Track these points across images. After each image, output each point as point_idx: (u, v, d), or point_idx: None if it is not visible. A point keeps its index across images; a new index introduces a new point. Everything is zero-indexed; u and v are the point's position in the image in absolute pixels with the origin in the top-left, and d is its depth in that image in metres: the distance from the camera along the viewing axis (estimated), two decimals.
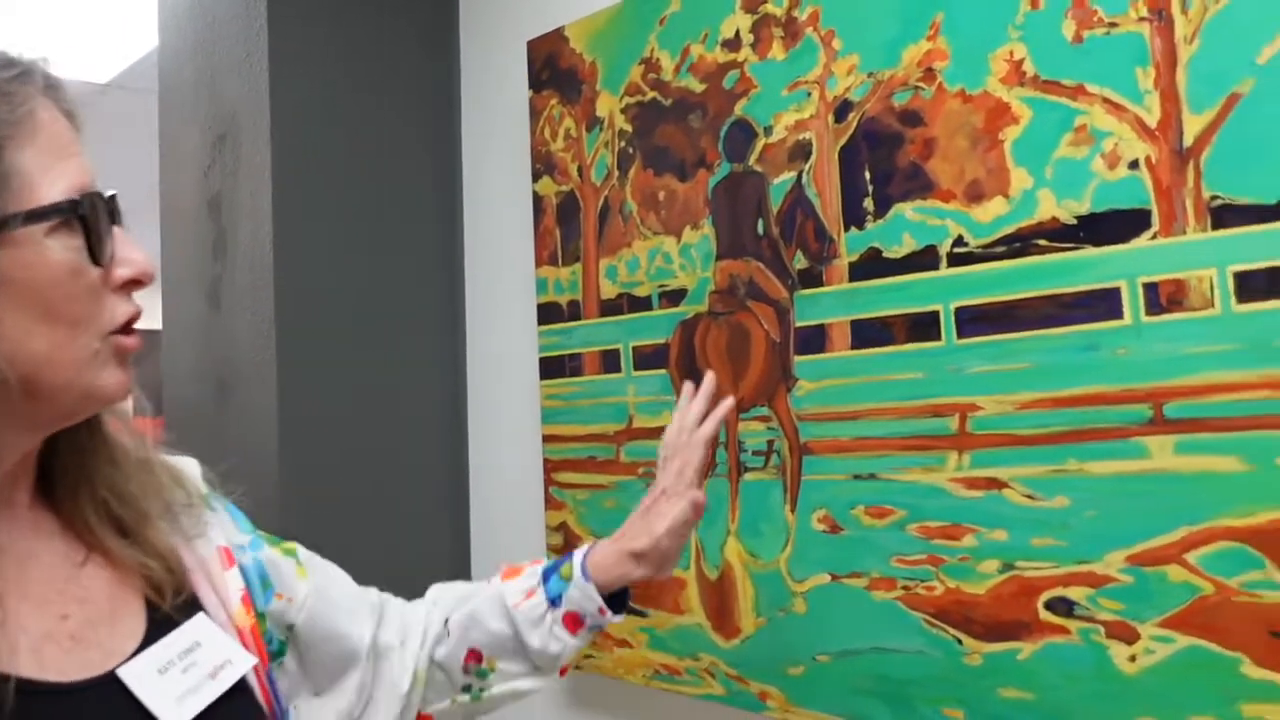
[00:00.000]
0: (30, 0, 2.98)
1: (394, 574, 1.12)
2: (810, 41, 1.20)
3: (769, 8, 1.25)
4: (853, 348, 1.16)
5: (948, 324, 1.08)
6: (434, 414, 1.75)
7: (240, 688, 0.76)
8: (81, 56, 3.38)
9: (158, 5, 1.95)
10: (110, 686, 0.70)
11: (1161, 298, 0.94)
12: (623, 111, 1.42)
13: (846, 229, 1.17)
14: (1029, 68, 1.02)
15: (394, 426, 1.70)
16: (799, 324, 1.22)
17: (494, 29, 1.74)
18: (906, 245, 1.12)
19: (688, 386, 1.15)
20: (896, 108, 1.13)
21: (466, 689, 1.05)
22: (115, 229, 0.72)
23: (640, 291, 1.40)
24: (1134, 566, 0.95)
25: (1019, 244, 1.03)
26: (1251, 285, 0.89)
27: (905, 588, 1.11)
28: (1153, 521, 0.94)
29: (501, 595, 1.04)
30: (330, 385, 1.64)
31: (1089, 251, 0.98)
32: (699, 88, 1.33)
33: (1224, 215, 0.90)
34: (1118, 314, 0.97)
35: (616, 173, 1.43)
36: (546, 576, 1.04)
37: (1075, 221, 0.99)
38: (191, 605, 0.77)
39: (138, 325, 0.75)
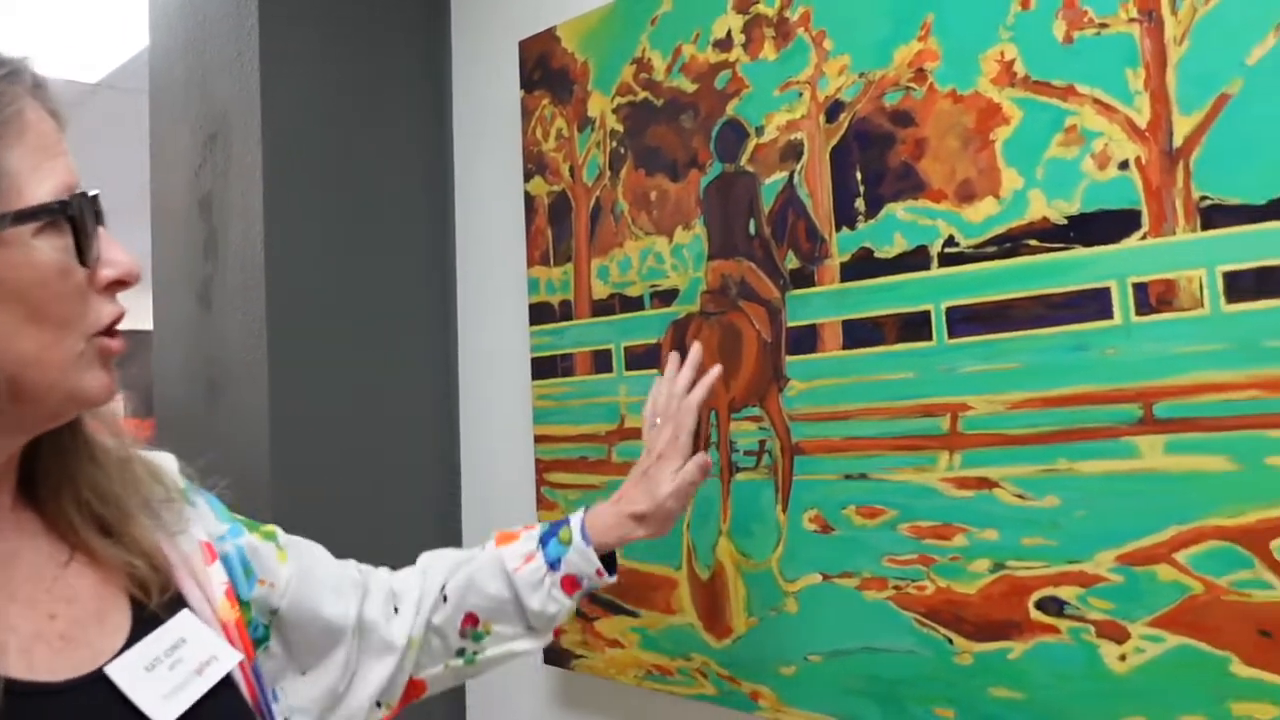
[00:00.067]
0: (21, 0, 2.97)
1: None
2: (801, 42, 1.21)
3: (760, 8, 1.25)
4: (844, 348, 1.17)
5: (939, 324, 1.08)
6: (426, 414, 1.75)
7: (226, 683, 0.76)
8: (72, 56, 3.37)
9: (148, 5, 1.94)
10: (98, 685, 0.70)
11: (1151, 298, 0.94)
12: (614, 111, 1.42)
13: (838, 229, 1.17)
14: (1020, 68, 1.03)
15: (385, 427, 1.70)
16: (790, 324, 1.22)
17: (486, 28, 1.73)
18: (898, 245, 1.12)
19: (673, 356, 1.21)
20: (888, 108, 1.13)
21: (460, 653, 1.08)
22: (100, 229, 0.72)
23: (632, 292, 1.40)
24: (1124, 566, 0.96)
25: (1010, 244, 1.03)
26: (1240, 285, 0.89)
27: (896, 587, 1.11)
28: (1142, 521, 0.95)
29: (500, 559, 1.08)
30: (322, 385, 1.64)
31: (1079, 252, 0.99)
32: (691, 88, 1.33)
33: (1213, 216, 0.91)
34: (1108, 314, 0.97)
35: (608, 173, 1.43)
36: (544, 541, 1.09)
37: (1065, 222, 1.00)
38: (176, 602, 0.78)
39: (128, 325, 0.75)
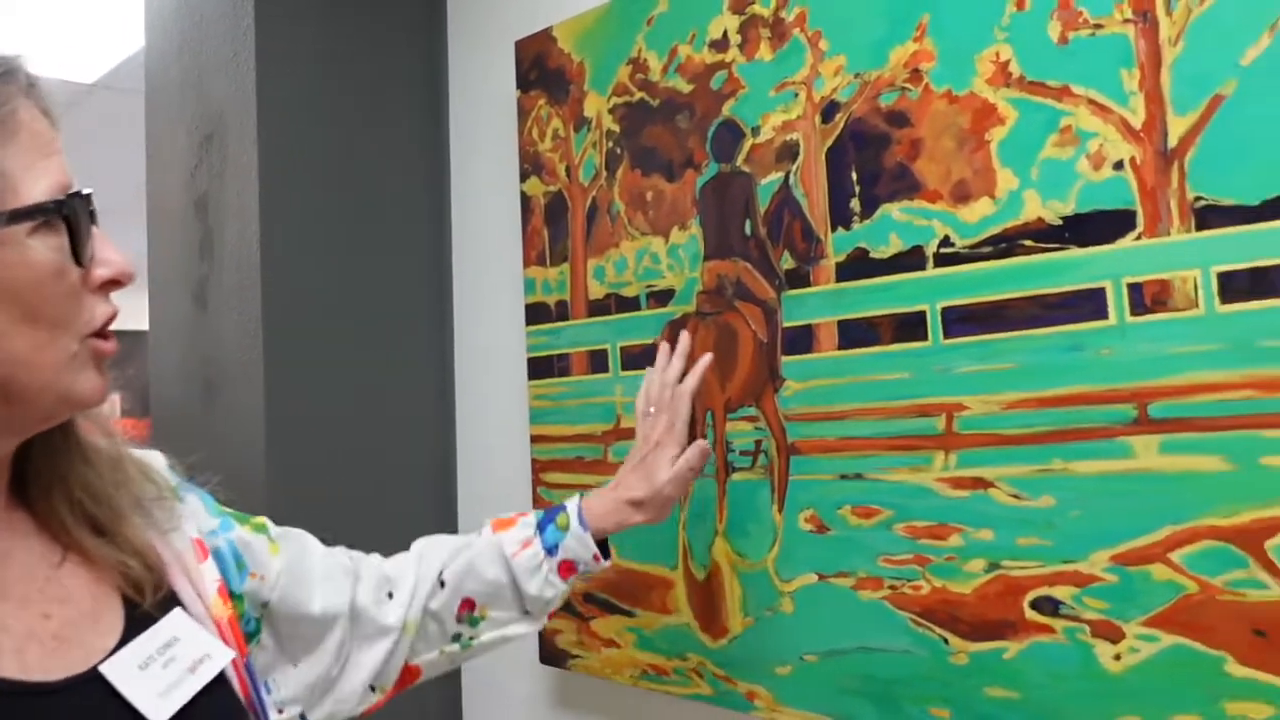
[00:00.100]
0: (17, 0, 2.97)
1: None
2: (797, 42, 1.21)
3: (756, 8, 1.25)
4: (840, 348, 1.17)
5: (934, 324, 1.09)
6: (422, 414, 1.75)
7: (219, 681, 0.76)
8: (68, 56, 3.37)
9: (144, 5, 1.94)
10: (93, 684, 0.70)
11: (1146, 298, 0.95)
12: (610, 112, 1.42)
13: (833, 229, 1.17)
14: (1015, 69, 1.03)
15: (382, 427, 1.70)
16: (786, 324, 1.22)
17: (482, 29, 1.74)
18: (893, 246, 1.12)
19: (663, 347, 1.24)
20: (883, 108, 1.13)
21: (456, 638, 1.09)
22: (94, 229, 0.72)
23: (628, 292, 1.40)
24: (1119, 566, 0.96)
25: (1005, 244, 1.03)
26: (1235, 285, 0.89)
27: (892, 587, 1.11)
28: (1137, 521, 0.95)
29: (499, 545, 1.10)
30: (318, 386, 1.64)
31: (1074, 252, 0.99)
32: (686, 88, 1.33)
33: (1207, 216, 0.91)
34: (1103, 314, 0.97)
35: (604, 173, 1.43)
36: (542, 527, 1.11)
37: (1060, 222, 1.00)
38: (169, 601, 0.78)
39: (123, 326, 0.75)
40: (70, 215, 0.69)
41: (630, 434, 1.38)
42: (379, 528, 1.66)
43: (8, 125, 0.67)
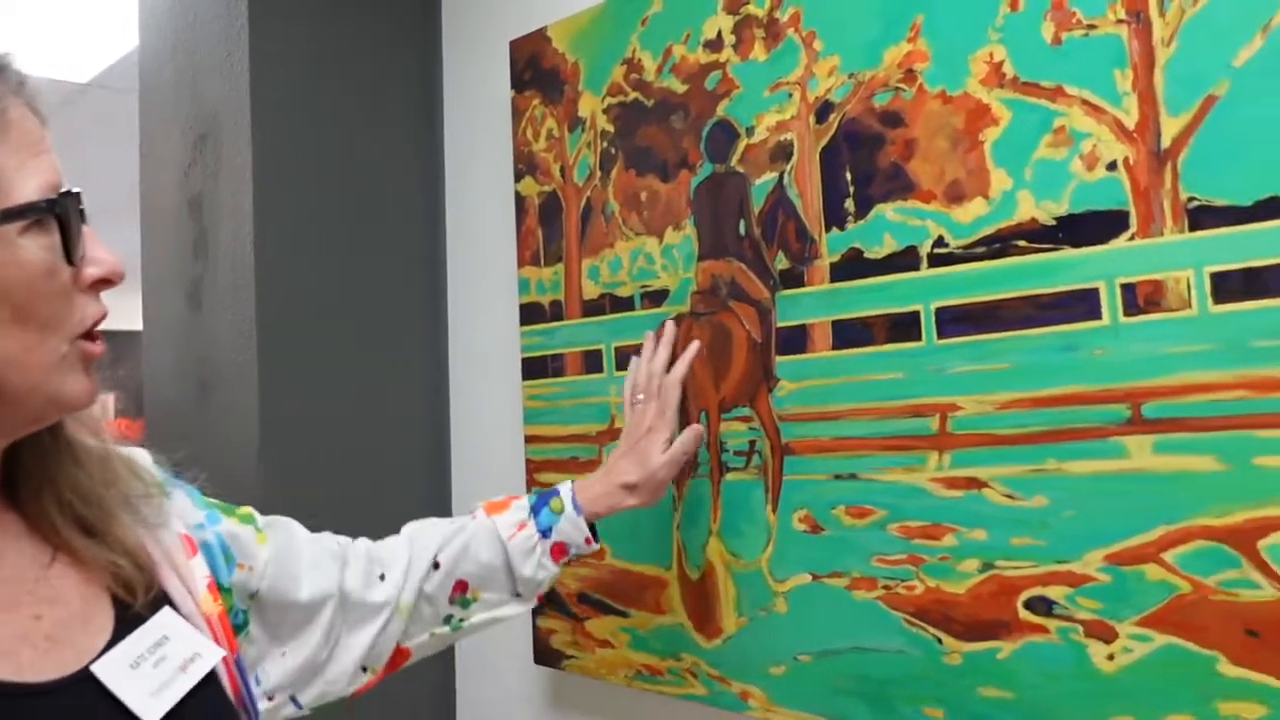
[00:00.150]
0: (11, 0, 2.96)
1: None
2: (792, 42, 1.21)
3: (750, 9, 1.25)
4: (834, 348, 1.17)
5: (928, 324, 1.09)
6: (416, 414, 1.74)
7: (209, 679, 0.76)
8: (62, 56, 3.36)
9: (138, 4, 1.94)
10: (85, 684, 0.70)
11: (1139, 298, 0.95)
12: (605, 112, 1.42)
13: (828, 229, 1.17)
14: (1008, 69, 1.03)
15: (376, 427, 1.70)
16: (780, 324, 1.22)
17: (476, 29, 1.73)
18: (887, 246, 1.12)
19: (649, 336, 1.28)
20: (877, 109, 1.13)
21: (447, 620, 1.11)
22: (85, 228, 0.72)
23: (622, 292, 1.40)
24: (1112, 566, 0.96)
25: (999, 245, 1.04)
26: (1228, 286, 0.90)
27: (886, 587, 1.12)
28: (1131, 521, 0.95)
29: (495, 528, 1.12)
30: (312, 386, 1.64)
31: (1068, 252, 0.99)
32: (681, 88, 1.33)
33: (1201, 216, 0.91)
34: (1096, 314, 0.97)
35: (599, 173, 1.43)
36: (536, 510, 1.14)
37: (1054, 222, 1.00)
38: (158, 599, 0.78)
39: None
40: (62, 214, 0.69)
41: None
42: (373, 528, 1.65)
43: None
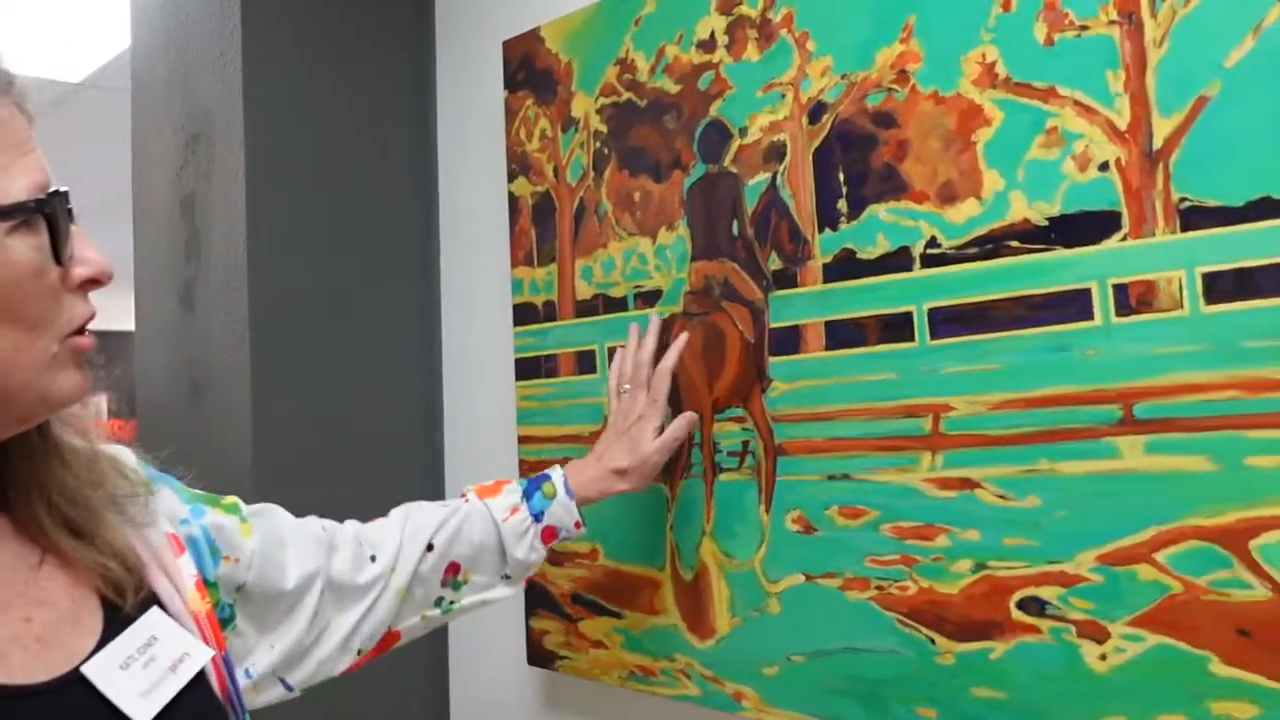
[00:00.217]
0: (2, 0, 2.95)
1: None
2: (785, 43, 1.21)
3: (744, 9, 1.25)
4: (827, 349, 1.17)
5: (921, 325, 1.09)
6: (409, 415, 1.74)
7: (198, 679, 0.76)
8: (54, 55, 3.35)
9: (130, 4, 1.93)
10: (75, 685, 0.70)
11: (1131, 299, 0.95)
12: (598, 112, 1.42)
13: (821, 230, 1.17)
14: (1001, 70, 1.03)
15: (369, 428, 1.69)
16: (773, 325, 1.22)
17: (470, 29, 1.73)
18: (880, 246, 1.12)
19: (634, 328, 1.31)
20: (870, 109, 1.13)
21: (438, 602, 1.12)
22: (73, 227, 0.71)
23: (616, 292, 1.39)
24: (1104, 566, 0.96)
25: (991, 245, 1.04)
26: (1219, 286, 0.90)
27: (879, 588, 1.12)
28: (1123, 521, 0.95)
29: (488, 511, 1.14)
30: (305, 386, 1.63)
31: (1060, 253, 0.99)
32: (674, 89, 1.33)
33: (1192, 217, 0.91)
34: (1088, 315, 0.97)
35: (592, 173, 1.43)
36: (528, 494, 1.17)
37: (1046, 223, 1.00)
38: (146, 599, 0.77)
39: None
40: (50, 214, 0.68)
41: None
42: None
43: None
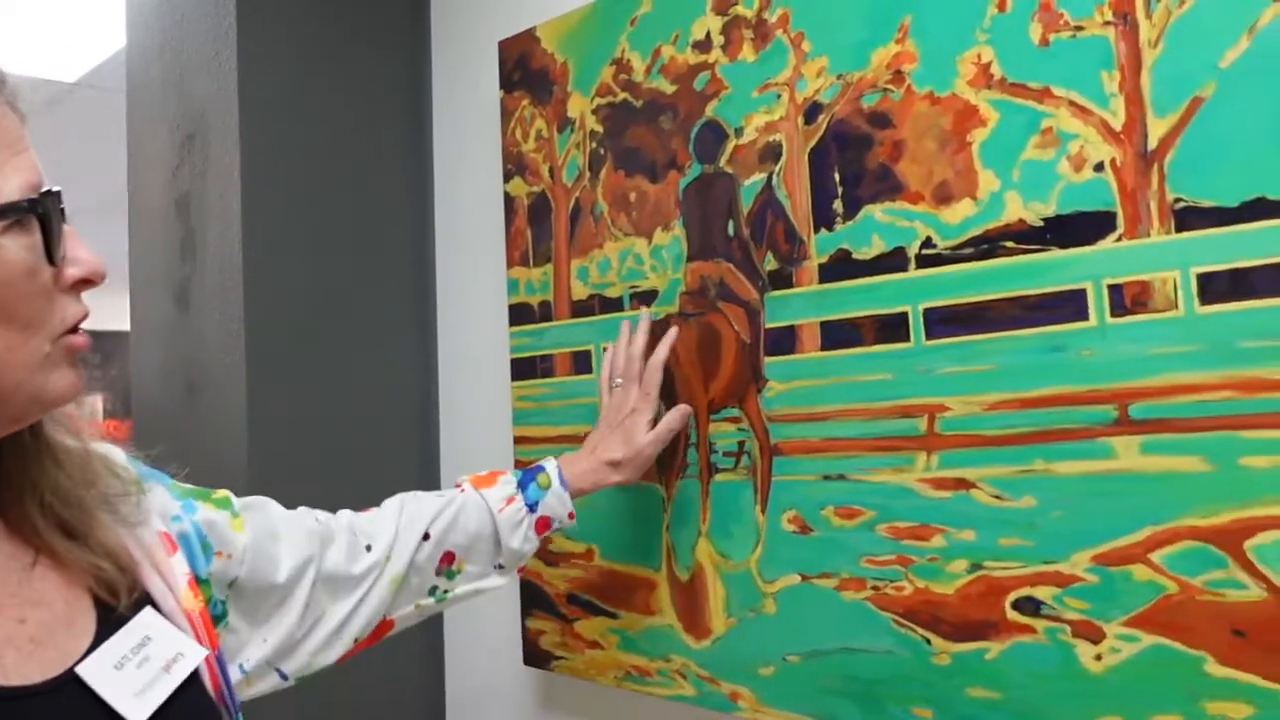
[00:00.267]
0: None
1: None
2: (780, 43, 1.21)
3: (739, 10, 1.25)
4: (822, 349, 1.17)
5: (916, 325, 1.09)
6: (405, 415, 1.74)
7: (191, 679, 0.76)
8: (49, 55, 3.35)
9: (126, 4, 1.93)
10: (70, 686, 0.70)
11: (1126, 299, 0.95)
12: (594, 112, 1.42)
13: (816, 230, 1.17)
14: (996, 70, 1.03)
15: (365, 428, 1.69)
16: (769, 325, 1.22)
17: (465, 29, 1.73)
18: (876, 247, 1.12)
19: (625, 324, 1.32)
20: (865, 110, 1.13)
21: (432, 591, 1.13)
22: (66, 227, 0.71)
23: (612, 293, 1.39)
24: (1100, 566, 0.96)
25: (986, 246, 1.04)
26: (1214, 287, 0.90)
27: (874, 588, 1.12)
28: (1118, 521, 0.95)
29: (484, 501, 1.16)
30: (300, 387, 1.63)
31: (1055, 253, 0.99)
32: (670, 89, 1.33)
33: (1187, 217, 0.91)
34: (1083, 315, 0.97)
35: (588, 174, 1.43)
36: (523, 485, 1.18)
37: (1042, 223, 1.00)
38: (140, 599, 0.77)
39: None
40: (43, 214, 0.68)
41: None
42: None
43: None
